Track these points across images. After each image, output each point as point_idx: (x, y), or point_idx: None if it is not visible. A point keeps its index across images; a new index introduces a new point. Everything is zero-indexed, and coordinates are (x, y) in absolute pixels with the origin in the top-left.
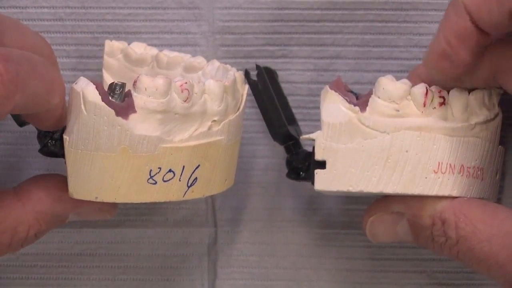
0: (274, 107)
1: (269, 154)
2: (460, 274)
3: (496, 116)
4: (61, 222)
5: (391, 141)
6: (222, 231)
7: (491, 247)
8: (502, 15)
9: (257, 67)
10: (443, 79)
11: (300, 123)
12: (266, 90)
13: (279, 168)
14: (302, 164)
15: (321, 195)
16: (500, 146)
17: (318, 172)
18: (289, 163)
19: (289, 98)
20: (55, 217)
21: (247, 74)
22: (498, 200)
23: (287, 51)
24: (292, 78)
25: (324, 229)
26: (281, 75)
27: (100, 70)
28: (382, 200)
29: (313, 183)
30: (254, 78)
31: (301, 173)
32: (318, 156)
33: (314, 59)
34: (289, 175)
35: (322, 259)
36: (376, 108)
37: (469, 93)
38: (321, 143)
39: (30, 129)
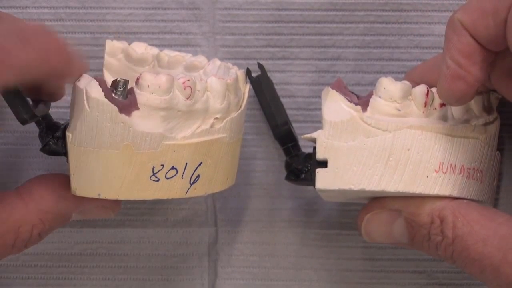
0: (276, 105)
1: (270, 156)
2: (460, 274)
3: (494, 120)
4: (64, 221)
5: (393, 140)
6: (222, 231)
7: (486, 248)
8: (498, 26)
9: (259, 65)
10: (460, 103)
11: (301, 124)
12: (268, 88)
13: (280, 170)
14: (302, 165)
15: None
16: (497, 152)
17: (319, 171)
18: (288, 165)
19: (290, 100)
20: (58, 216)
21: (248, 72)
22: (495, 201)
23: (288, 53)
24: (293, 79)
25: (325, 229)
26: (282, 77)
27: (101, 70)
28: (380, 198)
29: (313, 184)
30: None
31: (302, 174)
32: (319, 155)
33: (314, 60)
34: (288, 177)
35: (322, 260)
36: (377, 108)
37: None
38: (322, 141)
39: (31, 129)
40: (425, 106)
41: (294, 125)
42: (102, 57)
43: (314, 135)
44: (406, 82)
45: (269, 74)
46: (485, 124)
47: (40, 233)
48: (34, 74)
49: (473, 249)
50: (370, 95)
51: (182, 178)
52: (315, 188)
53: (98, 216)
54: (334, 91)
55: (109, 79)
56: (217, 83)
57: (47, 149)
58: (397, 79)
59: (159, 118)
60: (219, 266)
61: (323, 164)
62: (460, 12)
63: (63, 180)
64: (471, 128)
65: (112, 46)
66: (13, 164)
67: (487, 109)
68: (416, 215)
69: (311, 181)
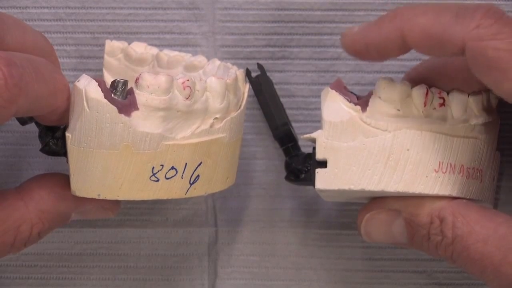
0: (276, 105)
1: (270, 156)
2: (460, 274)
3: (494, 119)
4: (64, 221)
5: (393, 140)
6: (222, 231)
7: (486, 247)
8: (441, 53)
9: (259, 66)
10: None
11: (301, 124)
12: (268, 89)
13: (280, 170)
14: (302, 165)
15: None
16: (497, 152)
17: (319, 171)
18: (288, 165)
19: (290, 100)
20: (58, 216)
21: (248, 73)
22: (495, 200)
23: (288, 52)
24: (293, 79)
25: (325, 229)
26: (282, 77)
27: (101, 70)
28: (379, 198)
29: (313, 184)
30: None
31: (301, 174)
32: (319, 155)
33: (314, 60)
34: (288, 177)
35: (322, 260)
36: (377, 108)
37: (468, 95)
38: (322, 142)
39: (31, 129)
40: (425, 106)
41: (293, 124)
42: (102, 57)
43: (313, 135)
44: (406, 82)
45: (268, 74)
46: (485, 124)
47: (40, 232)
48: (42, 107)
49: (473, 249)
50: (369, 95)
51: (182, 178)
52: (314, 188)
53: (97, 216)
54: (333, 91)
55: (108, 79)
56: (217, 83)
57: (47, 150)
58: (396, 79)
59: (159, 118)
60: (219, 266)
61: (323, 164)
62: (416, 17)
63: (63, 180)
64: (471, 128)
65: (112, 46)
66: (13, 164)
67: (487, 109)
68: (416, 215)
69: (311, 181)
